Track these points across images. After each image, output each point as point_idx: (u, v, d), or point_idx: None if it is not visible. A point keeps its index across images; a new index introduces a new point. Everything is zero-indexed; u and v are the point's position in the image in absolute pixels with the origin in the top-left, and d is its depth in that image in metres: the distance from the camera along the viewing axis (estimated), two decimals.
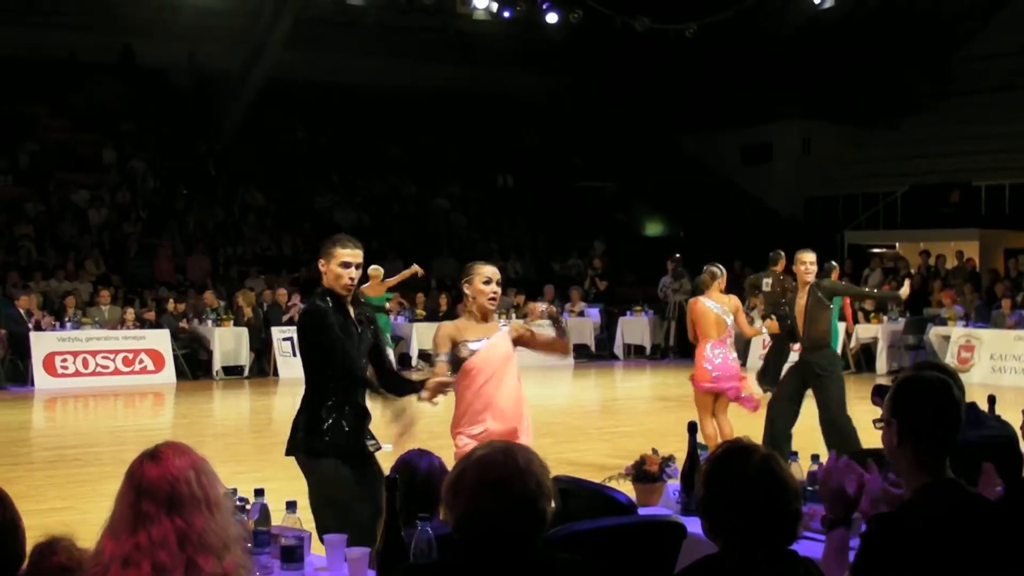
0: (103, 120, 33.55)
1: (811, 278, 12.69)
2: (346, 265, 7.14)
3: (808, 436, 12.10)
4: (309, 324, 7.23)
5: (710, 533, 3.82)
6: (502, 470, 3.56)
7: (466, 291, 7.86)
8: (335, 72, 36.18)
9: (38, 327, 22.68)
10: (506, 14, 31.33)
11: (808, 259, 12.77)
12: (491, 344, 7.98)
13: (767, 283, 20.43)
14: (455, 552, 3.61)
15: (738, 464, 3.79)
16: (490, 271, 7.86)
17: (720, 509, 3.76)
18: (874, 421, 4.39)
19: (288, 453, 7.12)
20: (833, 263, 20.82)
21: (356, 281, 7.23)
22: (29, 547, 3.74)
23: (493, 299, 7.86)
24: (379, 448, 7.38)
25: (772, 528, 3.73)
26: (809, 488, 5.59)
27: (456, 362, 7.76)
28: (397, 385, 7.58)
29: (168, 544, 3.46)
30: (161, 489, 3.51)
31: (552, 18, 31.07)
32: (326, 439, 7.02)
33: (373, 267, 21.51)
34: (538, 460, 3.64)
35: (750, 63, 37.24)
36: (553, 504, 3.60)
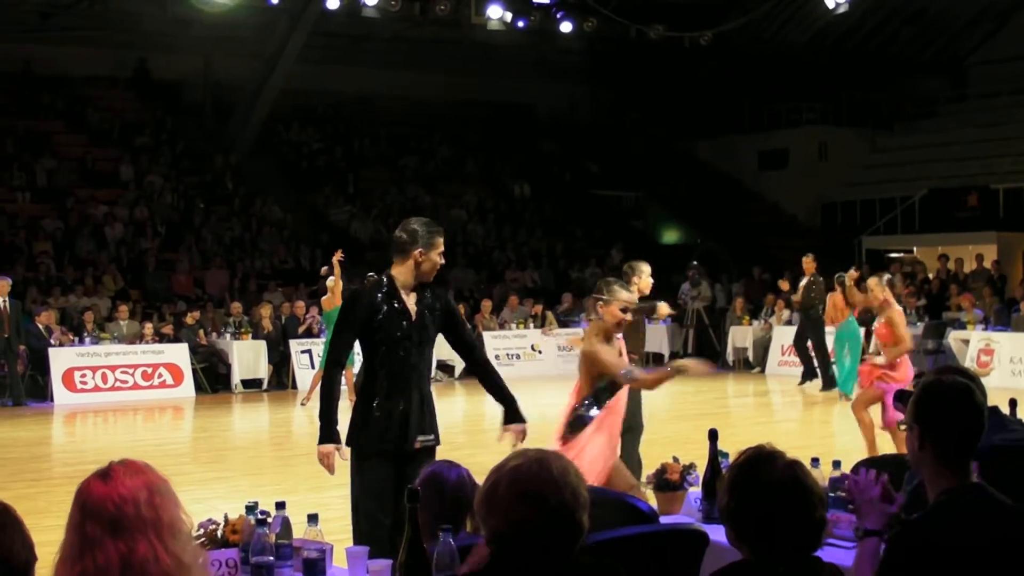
0: (119, 135, 33.63)
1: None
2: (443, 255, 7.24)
3: (829, 442, 12.05)
4: (342, 309, 7.30)
5: (735, 541, 3.78)
6: (537, 481, 3.50)
7: (599, 309, 8.22)
8: (350, 84, 36.25)
9: (57, 343, 22.72)
10: (520, 24, 31.32)
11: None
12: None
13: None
14: (491, 566, 3.56)
15: (762, 471, 3.76)
16: (628, 298, 8.37)
17: (744, 516, 3.73)
18: (899, 423, 4.37)
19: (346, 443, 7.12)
20: (843, 275, 20.85)
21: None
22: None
23: (622, 324, 8.34)
24: (434, 443, 7.28)
25: (797, 535, 3.70)
26: (832, 495, 5.56)
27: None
28: (493, 387, 7.63)
29: (110, 572, 3.25)
30: (105, 510, 3.30)
31: (566, 27, 31.06)
32: (367, 436, 7.00)
33: (330, 279, 21.03)
34: (573, 469, 3.59)
35: (766, 69, 37.22)
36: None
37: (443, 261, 7.26)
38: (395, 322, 7.00)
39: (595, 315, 8.31)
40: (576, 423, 8.17)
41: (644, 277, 11.33)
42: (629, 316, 8.34)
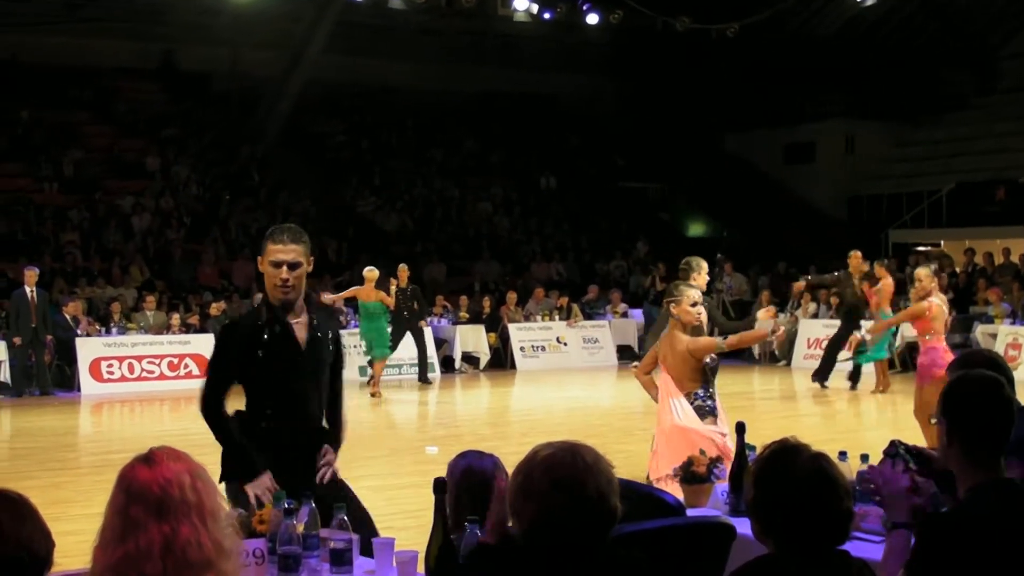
0: (146, 126, 33.74)
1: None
2: (277, 265, 6.09)
3: (858, 435, 12.03)
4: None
5: (761, 535, 3.77)
6: (571, 469, 3.51)
7: (673, 311, 8.92)
8: (376, 75, 36.26)
9: (84, 332, 22.80)
10: (546, 16, 31.35)
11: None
12: None
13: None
14: (526, 553, 3.56)
15: (788, 463, 3.75)
16: (695, 295, 9.05)
17: (771, 509, 3.72)
18: (929, 417, 4.35)
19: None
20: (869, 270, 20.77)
21: (293, 285, 6.09)
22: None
23: (699, 318, 9.03)
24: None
25: (824, 527, 3.69)
26: (858, 488, 5.54)
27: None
28: (333, 419, 6.44)
29: (152, 555, 3.25)
30: (151, 492, 3.29)
31: (593, 19, 31.06)
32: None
33: (369, 268, 21.24)
34: (603, 457, 3.60)
35: (792, 62, 37.10)
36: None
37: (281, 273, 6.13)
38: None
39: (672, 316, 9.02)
40: (701, 412, 8.89)
41: (703, 274, 11.51)
42: (700, 310, 9.00)
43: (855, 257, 21.32)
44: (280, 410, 6.14)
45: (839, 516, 3.72)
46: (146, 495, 3.30)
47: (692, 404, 8.85)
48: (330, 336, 6.31)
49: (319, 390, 6.29)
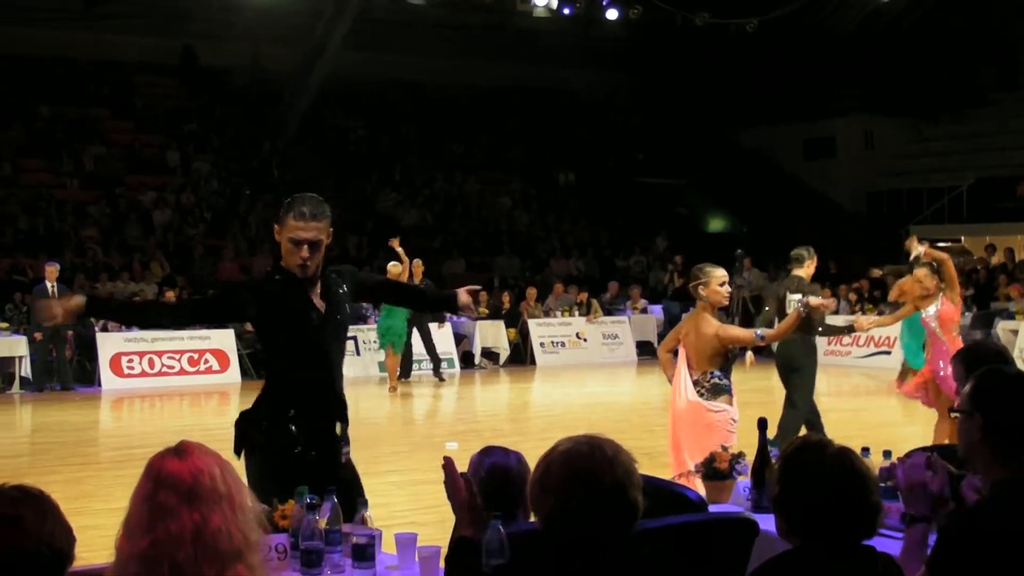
0: (166, 122, 33.81)
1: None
2: (297, 243, 5.90)
3: (879, 431, 12.00)
4: None
5: (787, 532, 3.75)
6: (590, 461, 3.51)
7: (702, 292, 8.87)
8: (396, 71, 36.30)
9: (104, 328, 22.85)
10: (566, 11, 31.32)
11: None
12: None
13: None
14: (546, 547, 3.56)
15: (813, 458, 3.74)
16: (722, 274, 9.02)
17: (798, 505, 3.70)
18: (949, 410, 4.32)
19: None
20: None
21: (312, 262, 5.92)
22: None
23: (728, 297, 9.08)
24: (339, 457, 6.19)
25: (853, 522, 3.68)
26: (882, 484, 5.52)
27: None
28: (433, 301, 7.03)
29: (184, 542, 3.24)
30: (182, 480, 3.30)
31: (612, 14, 31.03)
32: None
33: (393, 263, 21.19)
34: (624, 451, 3.60)
35: (812, 57, 37.03)
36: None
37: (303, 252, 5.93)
38: None
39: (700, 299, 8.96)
40: (717, 389, 8.87)
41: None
42: (729, 289, 9.03)
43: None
44: (303, 383, 6.06)
45: (868, 510, 3.71)
46: (177, 483, 3.30)
47: (708, 381, 8.86)
48: (343, 292, 6.20)
49: (340, 354, 6.29)
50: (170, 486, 3.30)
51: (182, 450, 3.40)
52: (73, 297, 5.87)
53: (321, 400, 6.09)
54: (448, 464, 4.19)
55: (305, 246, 5.86)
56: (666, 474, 8.57)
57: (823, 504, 3.66)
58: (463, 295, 6.45)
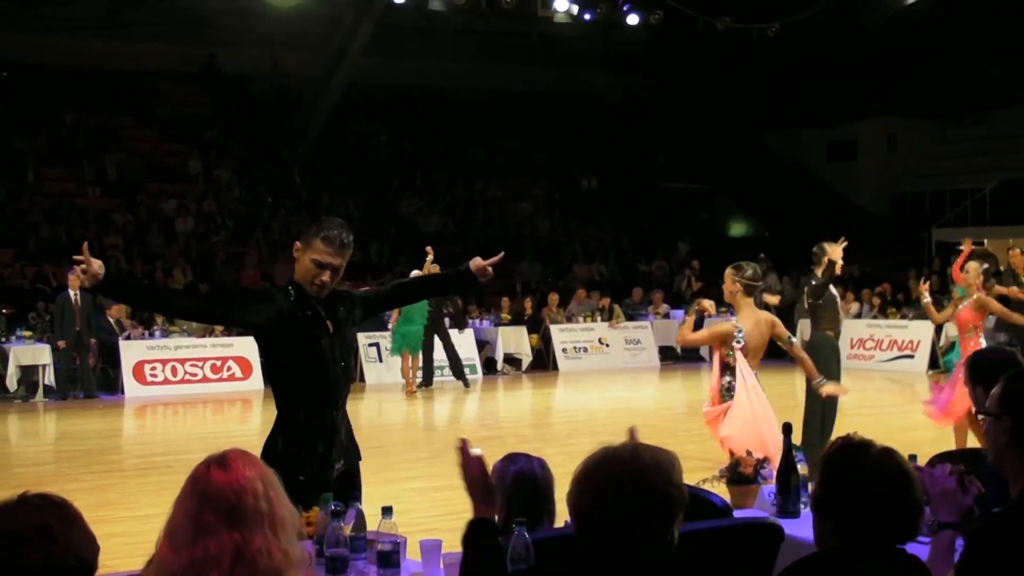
0: (188, 130, 33.88)
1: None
2: (321, 266, 6.00)
3: (904, 435, 11.96)
4: None
5: (828, 535, 3.71)
6: (629, 465, 3.49)
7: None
8: (417, 77, 36.31)
9: (128, 336, 22.92)
10: (587, 16, 31.29)
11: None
12: None
13: None
14: (584, 553, 3.54)
15: (859, 458, 3.73)
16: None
17: (845, 505, 3.67)
18: (975, 412, 4.29)
19: None
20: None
21: (330, 287, 6.07)
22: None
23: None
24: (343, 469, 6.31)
25: (899, 519, 3.66)
26: None
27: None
28: (449, 281, 7.07)
29: (221, 563, 3.23)
30: (225, 499, 3.27)
31: (633, 19, 30.97)
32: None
33: (415, 272, 21.19)
34: (664, 454, 3.58)
35: (834, 60, 36.94)
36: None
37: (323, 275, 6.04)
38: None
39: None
40: (726, 391, 9.60)
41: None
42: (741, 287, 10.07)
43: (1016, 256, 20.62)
44: (313, 400, 6.16)
45: (914, 507, 3.70)
46: (220, 501, 3.28)
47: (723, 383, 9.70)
48: (353, 314, 6.31)
49: (347, 374, 6.39)
50: (213, 505, 3.28)
51: (225, 462, 3.37)
52: (97, 263, 6.04)
53: (331, 439, 6.21)
54: (463, 446, 4.18)
55: (328, 272, 5.98)
56: (690, 479, 8.54)
57: (871, 501, 3.64)
58: (475, 261, 6.46)
